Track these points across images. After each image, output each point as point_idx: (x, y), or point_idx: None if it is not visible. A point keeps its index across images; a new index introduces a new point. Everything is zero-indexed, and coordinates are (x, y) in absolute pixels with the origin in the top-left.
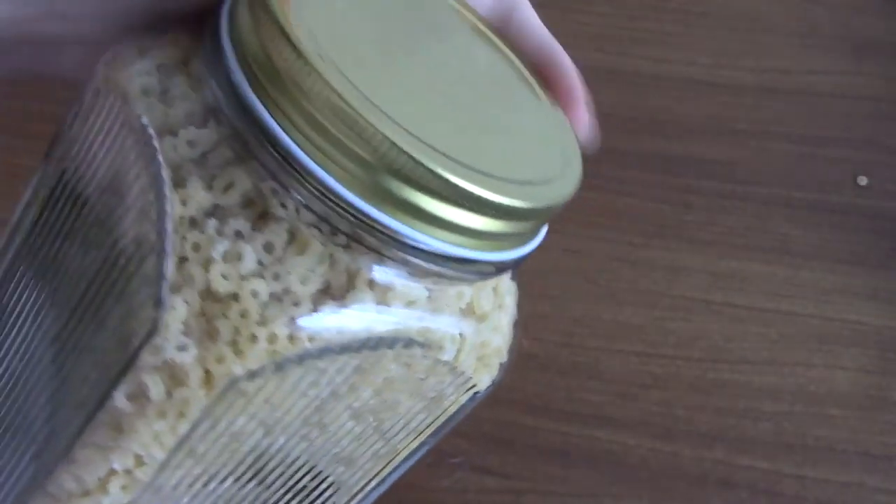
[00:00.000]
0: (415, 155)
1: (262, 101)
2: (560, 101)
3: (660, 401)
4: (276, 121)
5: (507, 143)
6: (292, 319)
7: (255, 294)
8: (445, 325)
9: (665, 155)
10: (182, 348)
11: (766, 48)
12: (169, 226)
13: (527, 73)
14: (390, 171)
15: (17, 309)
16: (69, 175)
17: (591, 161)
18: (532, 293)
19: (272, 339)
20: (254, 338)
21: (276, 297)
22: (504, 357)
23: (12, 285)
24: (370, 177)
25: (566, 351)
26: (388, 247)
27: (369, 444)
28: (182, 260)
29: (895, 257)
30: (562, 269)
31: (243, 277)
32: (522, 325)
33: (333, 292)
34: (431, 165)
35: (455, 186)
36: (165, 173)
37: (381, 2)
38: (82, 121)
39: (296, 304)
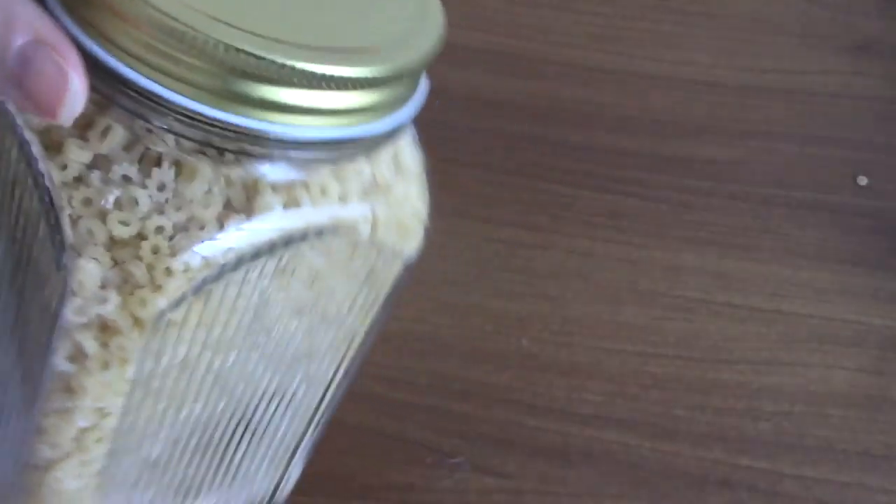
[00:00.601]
0: (246, 48)
1: (96, 41)
2: None
3: (660, 401)
4: (115, 58)
5: (349, 13)
6: (202, 243)
7: (160, 230)
8: (353, 206)
9: (665, 155)
10: (103, 301)
11: (766, 48)
12: (52, 189)
13: None
14: (233, 72)
15: None
16: None
17: (592, 161)
18: (532, 293)
19: (186, 267)
20: (169, 271)
21: (181, 227)
22: (425, 221)
23: None
24: (221, 85)
25: (566, 351)
26: (271, 149)
27: (322, 334)
28: (76, 219)
29: (895, 257)
30: (561, 269)
31: (143, 217)
32: (519, 323)
33: (236, 206)
34: (264, 54)
35: (298, 70)
36: (31, 137)
37: None
38: None
39: (202, 227)
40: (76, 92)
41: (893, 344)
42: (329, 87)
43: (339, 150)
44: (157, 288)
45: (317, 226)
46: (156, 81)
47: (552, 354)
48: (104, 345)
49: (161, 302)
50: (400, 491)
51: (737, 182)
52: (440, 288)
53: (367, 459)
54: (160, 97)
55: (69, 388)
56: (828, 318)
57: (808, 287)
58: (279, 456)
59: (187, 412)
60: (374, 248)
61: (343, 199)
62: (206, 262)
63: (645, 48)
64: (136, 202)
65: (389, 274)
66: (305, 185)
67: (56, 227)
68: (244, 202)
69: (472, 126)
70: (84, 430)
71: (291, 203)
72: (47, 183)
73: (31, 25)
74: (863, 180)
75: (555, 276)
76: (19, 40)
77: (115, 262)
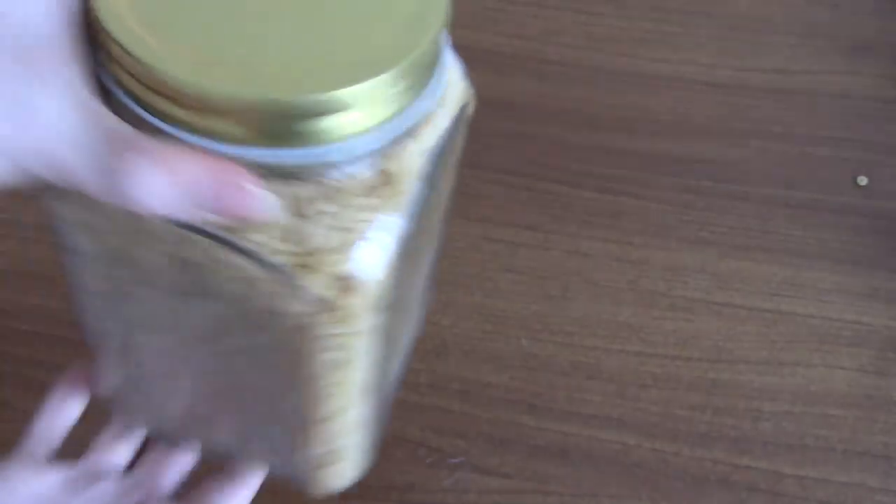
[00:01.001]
0: (296, 99)
1: (230, 143)
2: None
3: (660, 401)
4: (256, 147)
5: (356, 24)
6: (378, 238)
7: (344, 245)
8: (445, 126)
9: (665, 155)
10: (343, 317)
11: (766, 48)
12: (265, 259)
13: None
14: (312, 114)
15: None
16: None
17: (592, 161)
18: (532, 293)
19: (379, 261)
20: (372, 272)
21: (357, 234)
22: (469, 82)
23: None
24: (338, 131)
25: (566, 351)
26: (391, 145)
27: (441, 215)
28: (291, 271)
29: (895, 257)
30: (562, 269)
31: (333, 248)
32: (519, 322)
33: (384, 199)
34: (313, 97)
35: (334, 99)
36: (217, 230)
37: None
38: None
39: (370, 226)
40: (262, 197)
41: (893, 344)
42: (363, 105)
43: (404, 132)
44: (371, 285)
45: (434, 161)
46: (287, 149)
47: (552, 354)
48: (348, 343)
49: (378, 291)
50: (400, 491)
51: (737, 182)
52: (441, 288)
53: None
54: (298, 164)
55: (332, 376)
56: (828, 318)
57: (808, 287)
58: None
59: (397, 334)
60: (463, 129)
61: (437, 124)
62: (388, 250)
63: (645, 48)
64: (319, 237)
65: (463, 136)
66: (419, 139)
67: (285, 283)
68: (388, 189)
69: (472, 126)
70: (350, 393)
71: (408, 166)
72: (258, 257)
73: (201, 167)
74: (863, 180)
75: (555, 276)
76: (203, 182)
77: (335, 285)
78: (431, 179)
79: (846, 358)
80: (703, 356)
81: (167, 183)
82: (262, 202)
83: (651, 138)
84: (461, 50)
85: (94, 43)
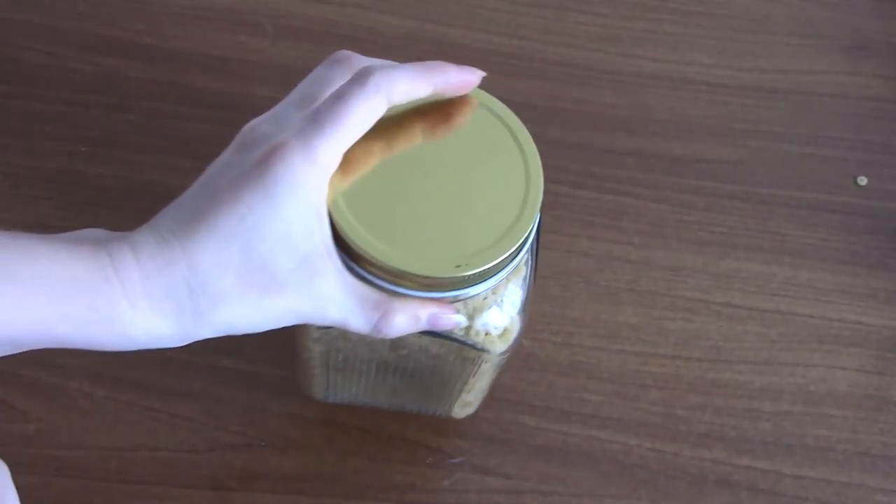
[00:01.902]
0: (459, 274)
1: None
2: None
3: (659, 401)
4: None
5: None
6: (511, 300)
7: (494, 315)
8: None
9: (665, 155)
10: (501, 353)
11: (766, 48)
12: (459, 337)
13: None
14: (466, 282)
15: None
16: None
17: (592, 161)
18: (532, 293)
19: (514, 316)
20: (511, 320)
21: (494, 305)
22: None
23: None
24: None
25: (566, 351)
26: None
27: None
28: (473, 341)
29: (895, 257)
30: (562, 269)
31: (492, 323)
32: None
33: (512, 282)
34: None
35: (470, 277)
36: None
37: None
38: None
39: (506, 298)
40: (455, 317)
41: (893, 344)
42: (494, 273)
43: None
44: (510, 335)
45: (535, 240)
46: (464, 290)
47: (552, 354)
48: (492, 361)
49: (513, 337)
50: (400, 491)
51: (737, 182)
52: None
53: (367, 459)
54: (470, 296)
55: (480, 374)
56: (828, 318)
57: (808, 287)
58: None
59: None
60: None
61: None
62: (516, 311)
63: (645, 48)
64: (480, 319)
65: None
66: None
67: (470, 346)
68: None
69: None
70: (487, 378)
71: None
72: (454, 337)
73: (424, 308)
74: (863, 180)
75: (555, 276)
76: (426, 316)
77: (490, 340)
78: (535, 251)
79: (846, 358)
80: (703, 356)
81: (408, 323)
82: (455, 320)
83: (651, 138)
84: (461, 50)
85: (342, 244)
